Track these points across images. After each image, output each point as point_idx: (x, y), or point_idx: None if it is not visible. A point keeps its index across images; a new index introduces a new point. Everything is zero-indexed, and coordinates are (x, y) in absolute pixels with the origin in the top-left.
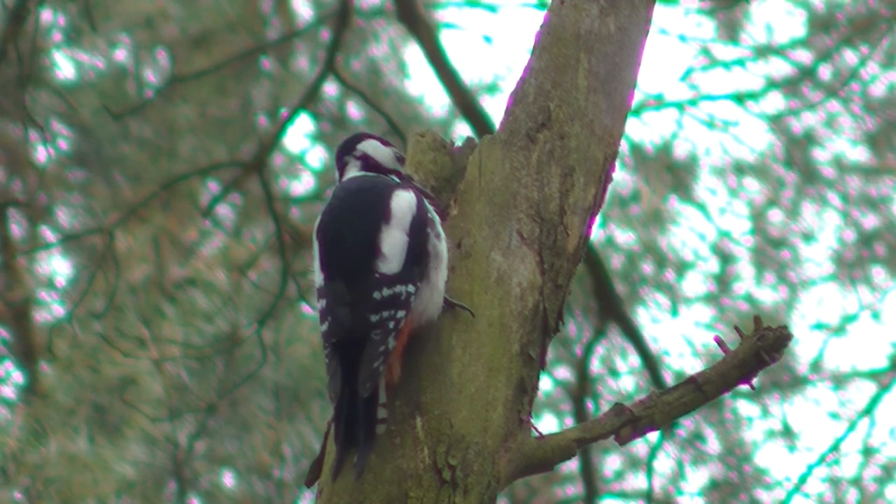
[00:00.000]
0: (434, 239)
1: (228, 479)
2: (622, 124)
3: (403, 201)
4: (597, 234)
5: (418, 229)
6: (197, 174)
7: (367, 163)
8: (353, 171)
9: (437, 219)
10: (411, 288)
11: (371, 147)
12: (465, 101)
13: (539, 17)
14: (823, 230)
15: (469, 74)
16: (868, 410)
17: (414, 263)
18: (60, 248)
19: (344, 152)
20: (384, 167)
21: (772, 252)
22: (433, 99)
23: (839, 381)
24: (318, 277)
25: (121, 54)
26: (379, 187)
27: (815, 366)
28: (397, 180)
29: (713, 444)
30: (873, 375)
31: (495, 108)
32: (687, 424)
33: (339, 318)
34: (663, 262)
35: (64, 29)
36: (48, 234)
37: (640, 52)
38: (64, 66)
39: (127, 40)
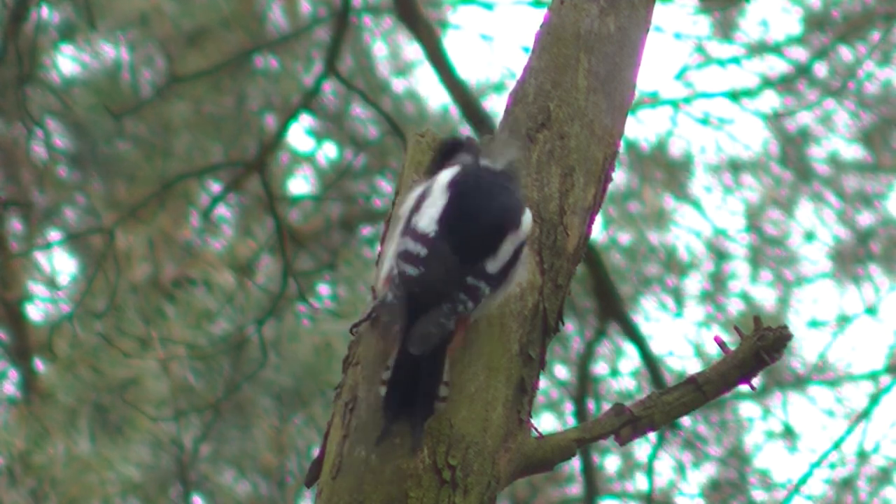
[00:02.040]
0: (519, 264)
1: (234, 480)
2: (622, 124)
3: (528, 223)
4: (597, 233)
5: (519, 250)
6: (199, 174)
7: None
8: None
9: (526, 251)
10: (488, 291)
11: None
12: (465, 101)
13: (537, 15)
14: (819, 228)
15: (469, 74)
16: (867, 411)
17: (503, 276)
18: (61, 246)
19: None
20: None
21: (768, 249)
22: (434, 98)
23: (836, 381)
24: (424, 221)
25: (117, 52)
26: (519, 196)
27: (818, 366)
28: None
29: (714, 445)
30: (873, 377)
31: (496, 108)
32: (687, 424)
33: (433, 276)
34: (665, 262)
35: (58, 27)
36: (48, 232)
37: (640, 53)
38: (59, 64)
39: (122, 38)
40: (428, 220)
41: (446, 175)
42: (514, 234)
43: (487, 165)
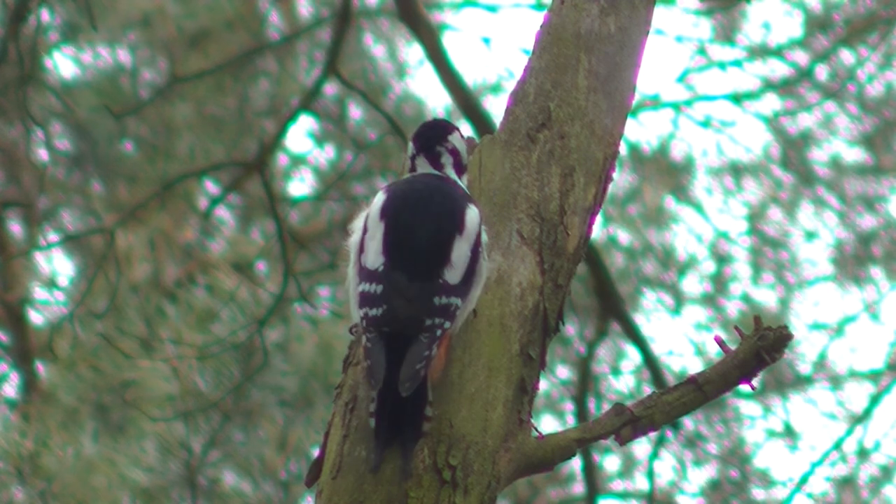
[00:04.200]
0: (482, 259)
1: (239, 483)
2: (622, 124)
3: (475, 218)
4: (598, 233)
5: (476, 247)
6: (199, 174)
7: (457, 158)
8: (448, 165)
9: (486, 240)
10: (460, 302)
11: (458, 141)
12: (465, 101)
13: (538, 17)
14: (821, 230)
15: (469, 74)
16: (868, 411)
17: (468, 279)
18: (62, 247)
19: (437, 142)
20: (463, 163)
21: (769, 252)
22: (434, 99)
23: (837, 381)
24: (371, 258)
25: (119, 53)
26: (455, 196)
27: (821, 364)
28: (465, 189)
29: (714, 444)
30: (873, 376)
31: (496, 108)
32: (688, 424)
33: (396, 311)
34: (665, 262)
35: (60, 28)
36: (49, 233)
37: (641, 53)
38: (61, 65)
39: (124, 39)
40: (374, 255)
41: (377, 202)
42: (461, 236)
43: (430, 172)
